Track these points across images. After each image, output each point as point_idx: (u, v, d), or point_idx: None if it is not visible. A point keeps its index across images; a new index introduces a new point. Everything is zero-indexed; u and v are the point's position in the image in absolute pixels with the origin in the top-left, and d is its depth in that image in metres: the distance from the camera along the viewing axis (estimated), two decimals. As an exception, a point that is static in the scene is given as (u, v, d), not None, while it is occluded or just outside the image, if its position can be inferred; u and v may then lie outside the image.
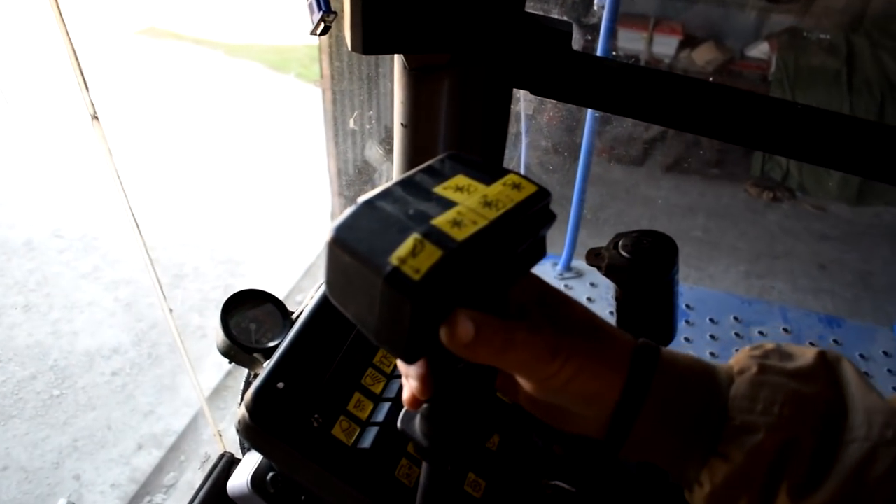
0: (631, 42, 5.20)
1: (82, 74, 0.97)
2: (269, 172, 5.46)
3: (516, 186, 0.50)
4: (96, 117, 1.01)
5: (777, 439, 0.49)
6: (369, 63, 4.10)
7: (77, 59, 0.93)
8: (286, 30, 7.55)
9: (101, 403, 3.63)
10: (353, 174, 4.40)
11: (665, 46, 5.21)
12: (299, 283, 4.41)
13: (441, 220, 0.46)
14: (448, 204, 0.48)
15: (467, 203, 0.48)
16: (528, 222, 0.50)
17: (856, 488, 0.46)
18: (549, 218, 0.52)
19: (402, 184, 0.50)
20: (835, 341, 2.16)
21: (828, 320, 2.26)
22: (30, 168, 5.25)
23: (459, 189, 0.50)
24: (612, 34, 2.17)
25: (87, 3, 7.30)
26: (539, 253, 0.54)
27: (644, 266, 0.76)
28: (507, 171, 0.52)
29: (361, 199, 0.48)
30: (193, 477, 3.31)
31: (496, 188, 0.50)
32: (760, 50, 5.20)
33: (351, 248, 0.45)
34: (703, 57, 5.17)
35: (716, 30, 5.30)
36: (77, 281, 4.33)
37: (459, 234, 0.45)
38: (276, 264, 4.57)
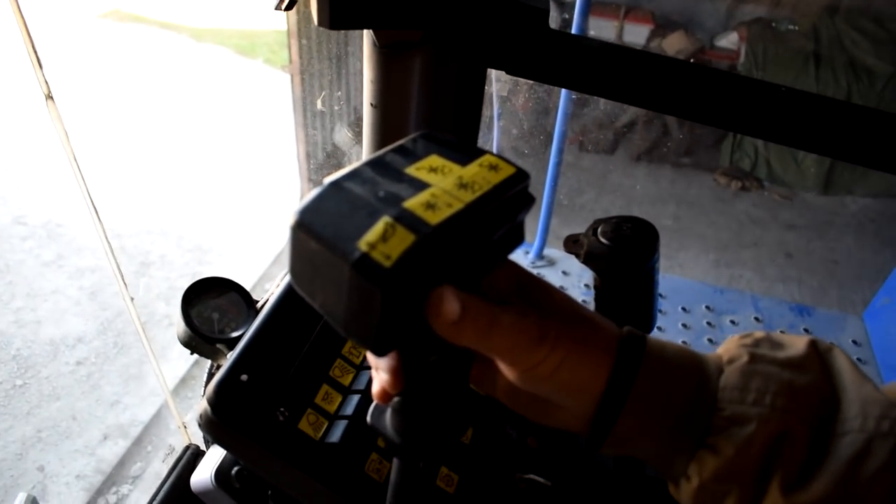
0: (602, 30, 5.21)
1: (35, 52, 0.92)
2: (238, 159, 5.39)
3: (493, 167, 0.47)
4: (51, 97, 0.97)
5: (769, 431, 0.47)
6: (338, 42, 4.05)
7: (30, 35, 0.89)
8: (254, 13, 7.45)
9: (65, 393, 3.57)
10: (323, 159, 4.36)
11: (635, 35, 5.24)
12: (268, 270, 4.38)
13: (414, 203, 0.43)
14: (421, 185, 0.45)
15: (441, 185, 0.45)
16: (507, 205, 0.47)
17: (850, 481, 0.44)
18: (528, 201, 0.49)
19: (371, 164, 0.47)
20: (805, 329, 2.17)
21: (798, 309, 2.28)
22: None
23: (433, 170, 0.47)
24: (587, 12, 2.15)
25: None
26: (516, 239, 0.51)
27: (624, 253, 0.74)
28: (483, 152, 0.49)
29: (327, 179, 0.45)
30: (161, 468, 3.27)
31: (472, 169, 0.47)
32: (730, 40, 5.24)
33: (316, 233, 0.41)
34: (673, 46, 5.19)
35: (686, 19, 5.33)
36: (40, 269, 4.25)
37: (433, 218, 0.42)
38: (244, 252, 4.52)
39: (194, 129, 5.72)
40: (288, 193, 4.88)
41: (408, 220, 0.41)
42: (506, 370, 0.51)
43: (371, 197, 0.43)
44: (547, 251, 2.52)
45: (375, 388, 0.51)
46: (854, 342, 2.12)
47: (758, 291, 4.03)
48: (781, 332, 2.10)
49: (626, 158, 5.49)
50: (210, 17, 7.54)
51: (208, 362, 0.93)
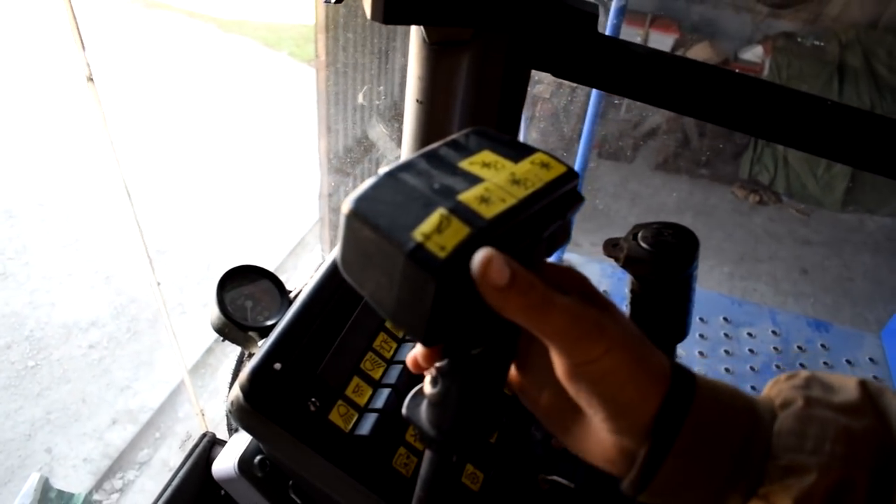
0: (627, 37, 5.16)
1: (80, 34, 0.93)
2: (259, 149, 5.40)
3: (545, 166, 0.48)
4: (91, 79, 0.97)
5: (829, 481, 0.44)
6: (373, 40, 4.06)
7: (75, 17, 0.90)
8: (280, 7, 7.48)
9: (76, 376, 3.58)
10: (345, 152, 4.36)
11: (661, 44, 5.22)
12: (284, 262, 4.38)
13: (468, 196, 0.43)
14: (475, 179, 0.45)
15: (495, 180, 0.45)
16: (557, 203, 0.47)
17: None
18: (577, 200, 0.49)
19: (425, 156, 0.47)
20: (822, 346, 2.16)
21: (816, 324, 2.26)
22: (15, 136, 5.17)
23: (486, 165, 0.47)
24: (622, 15, 2.15)
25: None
26: (563, 237, 0.51)
27: (664, 259, 0.73)
28: (534, 150, 0.50)
29: (382, 170, 0.45)
30: (168, 454, 3.28)
31: (524, 166, 0.47)
32: (754, 53, 5.22)
33: (371, 222, 0.42)
34: (698, 56, 5.17)
35: (711, 30, 5.31)
36: (57, 251, 4.28)
37: (488, 212, 0.42)
38: (260, 243, 4.54)
39: (217, 117, 5.74)
40: (307, 186, 4.88)
41: (463, 212, 0.42)
42: (557, 363, 0.48)
43: (426, 188, 0.44)
44: (567, 255, 2.52)
45: (410, 356, 0.51)
46: (871, 360, 2.11)
47: (771, 306, 4.03)
48: (798, 347, 2.10)
49: (645, 167, 5.48)
50: (236, 9, 7.56)
51: (220, 353, 0.93)
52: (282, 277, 0.92)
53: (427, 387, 0.53)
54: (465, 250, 0.40)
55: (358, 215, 0.42)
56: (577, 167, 2.42)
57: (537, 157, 0.49)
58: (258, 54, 6.95)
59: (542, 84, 4.71)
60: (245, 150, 5.40)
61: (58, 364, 3.64)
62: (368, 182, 0.44)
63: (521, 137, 2.70)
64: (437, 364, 0.51)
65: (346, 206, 0.43)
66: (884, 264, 4.81)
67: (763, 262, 4.78)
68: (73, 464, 3.21)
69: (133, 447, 3.32)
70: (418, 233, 0.40)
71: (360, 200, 0.43)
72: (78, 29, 0.88)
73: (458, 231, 0.41)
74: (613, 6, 2.16)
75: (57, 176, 4.83)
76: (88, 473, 3.18)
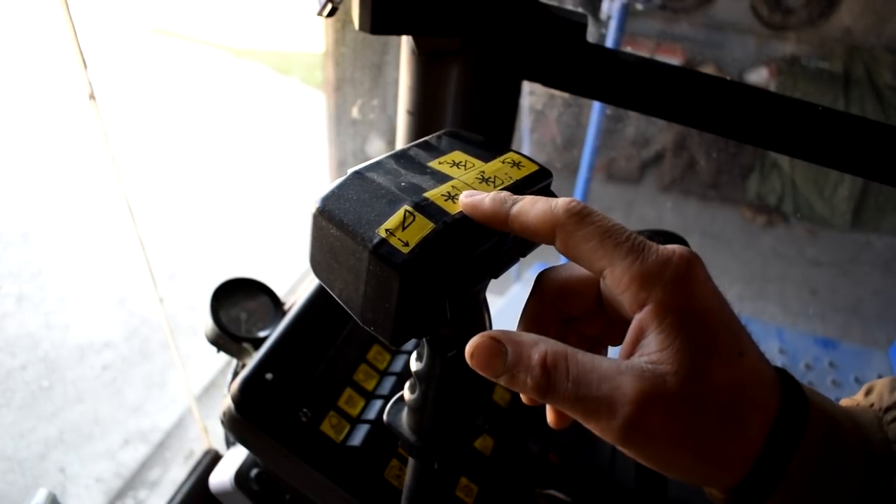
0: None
1: (81, 52, 0.94)
2: (271, 171, 5.44)
3: (516, 164, 0.49)
4: (93, 97, 0.98)
5: None
6: (371, 53, 4.10)
7: (76, 35, 0.91)
8: (291, 37, 7.60)
9: (89, 397, 3.59)
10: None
11: (666, 69, 5.21)
12: (297, 284, 4.39)
13: (434, 194, 0.44)
14: (443, 178, 0.46)
15: (463, 178, 0.46)
16: None
17: None
18: None
19: (395, 156, 0.48)
20: (830, 363, 2.15)
21: (823, 342, 2.25)
22: (30, 160, 5.22)
23: (456, 164, 0.48)
24: (623, 25, 2.16)
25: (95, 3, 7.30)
26: None
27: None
28: (507, 149, 0.50)
29: (351, 169, 0.46)
30: (178, 474, 3.27)
31: (495, 165, 0.48)
32: (759, 75, 5.22)
33: (337, 220, 0.42)
34: (704, 79, 5.17)
35: (716, 53, 5.32)
36: (72, 274, 4.30)
37: (453, 209, 0.43)
38: (274, 265, 4.55)
39: (232, 137, 5.79)
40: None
41: (428, 209, 0.43)
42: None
43: (393, 186, 0.45)
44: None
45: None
46: (879, 377, 2.09)
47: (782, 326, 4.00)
48: (806, 364, 2.08)
49: (652, 189, 5.47)
50: (249, 38, 7.70)
51: (231, 372, 0.93)
52: (292, 298, 0.93)
53: (406, 392, 0.53)
54: (428, 246, 0.41)
55: (324, 213, 0.43)
56: (579, 185, 2.42)
57: (509, 156, 0.50)
58: (271, 79, 7.05)
59: (533, 95, 4.71)
60: (260, 171, 5.44)
61: (71, 384, 3.64)
62: (336, 181, 0.45)
63: (525, 147, 2.70)
64: (414, 368, 0.51)
65: (313, 205, 0.43)
66: (892, 283, 4.77)
67: (772, 282, 4.74)
68: (86, 483, 3.21)
69: (145, 467, 3.33)
70: (382, 229, 0.41)
71: (327, 199, 0.44)
72: (79, 47, 0.90)
73: (423, 227, 0.42)
74: (612, 25, 2.16)
75: (71, 197, 4.87)
76: (101, 493, 3.18)
